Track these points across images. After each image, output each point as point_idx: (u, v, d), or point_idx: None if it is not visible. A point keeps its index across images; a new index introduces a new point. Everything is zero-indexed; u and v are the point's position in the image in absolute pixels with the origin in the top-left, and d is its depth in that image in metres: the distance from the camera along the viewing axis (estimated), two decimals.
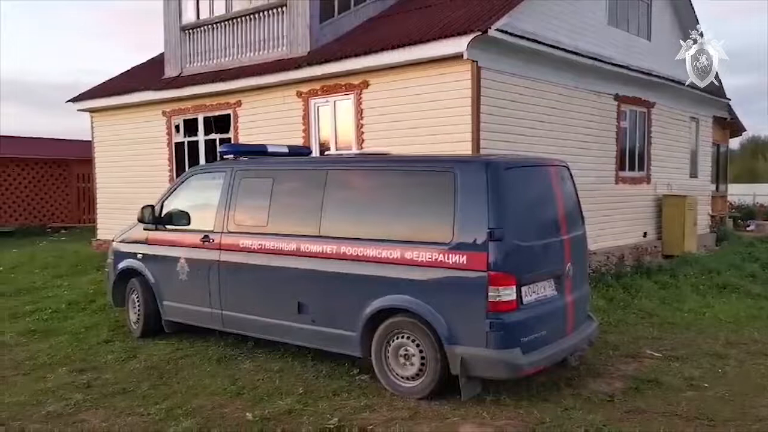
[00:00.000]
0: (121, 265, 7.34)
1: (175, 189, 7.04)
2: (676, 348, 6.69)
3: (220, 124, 12.43)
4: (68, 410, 4.99)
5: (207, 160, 12.64)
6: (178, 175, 13.10)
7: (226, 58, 12.19)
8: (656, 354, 6.45)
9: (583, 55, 10.21)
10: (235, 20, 11.94)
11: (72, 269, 11.72)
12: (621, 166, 12.11)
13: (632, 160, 12.57)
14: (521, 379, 5.07)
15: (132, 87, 13.68)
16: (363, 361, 5.65)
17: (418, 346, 5.09)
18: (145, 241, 7.07)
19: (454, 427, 4.54)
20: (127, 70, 15.89)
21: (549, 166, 5.77)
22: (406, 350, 5.17)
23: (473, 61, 8.63)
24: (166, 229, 6.92)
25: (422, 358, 5.07)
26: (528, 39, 9.04)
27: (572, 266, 5.47)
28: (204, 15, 12.53)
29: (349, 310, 5.40)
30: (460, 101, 8.84)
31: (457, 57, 8.68)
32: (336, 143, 10.52)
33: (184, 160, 13.07)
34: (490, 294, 4.71)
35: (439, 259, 4.93)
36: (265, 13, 11.46)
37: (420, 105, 9.29)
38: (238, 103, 11.92)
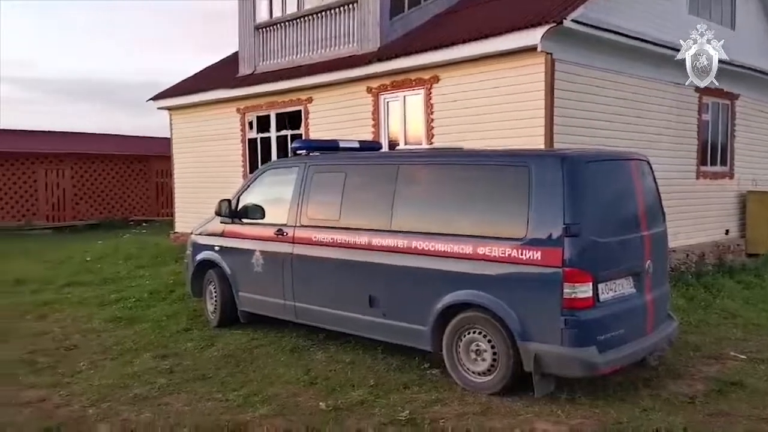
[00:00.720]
0: (198, 257, 7.62)
1: (250, 184, 7.24)
2: (761, 350, 6.38)
3: (292, 120, 12.69)
4: (153, 393, 5.23)
5: (278, 156, 12.93)
6: (251, 171, 13.47)
7: (298, 56, 12.42)
8: (740, 356, 6.18)
9: (662, 45, 9.84)
10: (306, 18, 12.13)
11: (153, 260, 12.24)
12: (702, 161, 11.61)
13: (714, 154, 12.03)
14: (597, 378, 4.96)
15: (207, 85, 14.14)
16: (433, 355, 5.66)
17: (489, 341, 5.06)
18: (222, 234, 7.31)
19: (528, 424, 4.49)
20: (203, 69, 16.43)
21: (628, 160, 5.60)
22: (478, 345, 5.15)
23: (547, 53, 8.47)
24: (241, 223, 7.13)
25: (494, 353, 5.04)
26: (605, 30, 8.78)
27: (652, 264, 5.30)
28: (276, 14, 12.81)
29: (420, 305, 5.42)
30: (534, 94, 8.68)
31: (530, 50, 8.54)
32: (405, 138, 10.56)
33: (256, 156, 13.41)
34: (565, 291, 4.63)
35: (512, 255, 4.88)
36: (336, 10, 11.59)
37: (492, 99, 9.20)
38: (309, 100, 12.12)
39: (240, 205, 7.16)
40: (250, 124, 13.60)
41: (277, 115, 12.95)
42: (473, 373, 5.17)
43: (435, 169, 5.69)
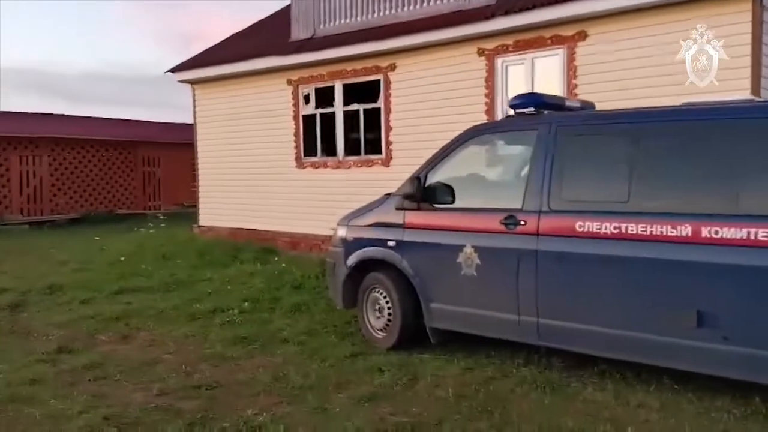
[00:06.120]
0: (356, 256, 5.68)
1: (447, 156, 5.32)
2: None
3: (366, 92, 10.74)
4: None
5: (347, 133, 11.00)
6: (306, 153, 11.49)
7: (375, 14, 10.47)
8: None
9: None
10: None
11: (202, 259, 10.09)
12: None
13: None
14: None
15: (251, 53, 11.99)
16: None
17: None
18: (402, 225, 5.39)
19: None
20: (231, 36, 14.29)
21: None
22: None
23: None
24: (434, 209, 5.23)
25: None
26: None
27: None
28: None
29: None
30: (734, 50, 7.08)
31: None
32: None
33: (315, 135, 11.41)
34: None
35: None
36: None
37: (664, 58, 7.54)
38: (391, 67, 10.20)
39: (430, 185, 5.25)
40: (306, 97, 11.55)
41: (345, 87, 10.96)
42: None
43: None
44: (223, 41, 14.11)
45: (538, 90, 8.62)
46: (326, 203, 10.81)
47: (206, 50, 13.79)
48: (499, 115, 8.95)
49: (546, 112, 5.02)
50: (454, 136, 5.52)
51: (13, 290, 8.23)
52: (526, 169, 4.83)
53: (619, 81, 7.84)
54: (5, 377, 4.87)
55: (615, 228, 4.30)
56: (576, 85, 8.27)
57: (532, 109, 5.03)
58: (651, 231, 4.16)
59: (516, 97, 5.19)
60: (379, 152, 10.42)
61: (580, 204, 4.51)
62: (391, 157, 10.24)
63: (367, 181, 10.38)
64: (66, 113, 24.78)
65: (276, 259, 9.81)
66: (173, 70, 13.40)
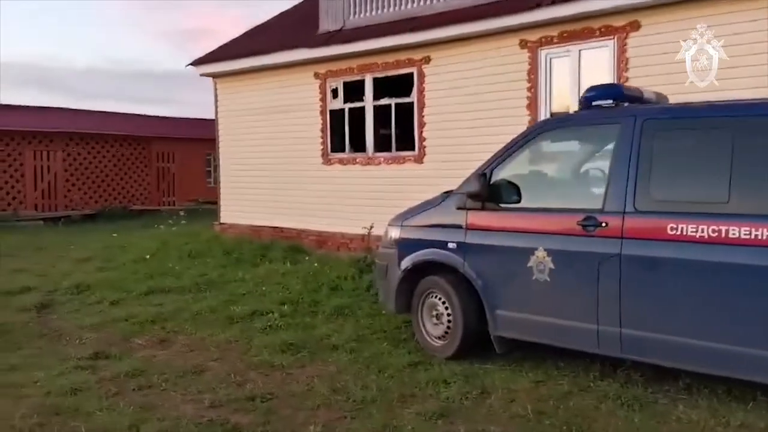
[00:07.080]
0: (412, 259, 5.31)
1: (515, 151, 4.93)
2: None
3: (396, 85, 10.37)
4: None
5: (376, 129, 10.63)
6: (333, 149, 11.13)
7: (408, 5, 10.09)
8: None
9: None
10: None
11: (229, 258, 9.75)
12: None
13: None
14: None
15: (278, 45, 11.62)
16: None
17: None
18: (464, 226, 5.02)
19: None
20: (250, 30, 13.94)
21: None
22: None
23: None
24: (500, 209, 4.86)
25: None
26: None
27: None
28: None
29: None
30: None
31: None
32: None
33: (342, 130, 11.04)
34: None
35: None
36: None
37: (730, 50, 7.13)
38: (426, 60, 9.82)
39: (495, 183, 4.88)
40: (334, 91, 11.18)
41: (375, 80, 10.58)
42: None
43: None
44: (244, 34, 13.77)
45: (584, 83, 8.29)
46: (354, 201, 10.49)
47: (228, 43, 13.45)
48: (542, 110, 8.59)
49: (625, 104, 4.64)
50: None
51: (39, 289, 7.93)
52: (605, 167, 4.45)
53: (676, 74, 7.43)
54: (44, 386, 4.54)
55: (714, 231, 3.92)
56: (627, 78, 7.86)
57: (610, 101, 4.64)
58: (756, 235, 3.78)
59: (591, 89, 4.81)
60: (412, 149, 10.06)
61: (672, 204, 4.12)
62: (424, 154, 9.87)
63: (399, 178, 10.06)
64: (80, 108, 24.49)
65: (306, 258, 9.47)
66: (195, 63, 13.06)
